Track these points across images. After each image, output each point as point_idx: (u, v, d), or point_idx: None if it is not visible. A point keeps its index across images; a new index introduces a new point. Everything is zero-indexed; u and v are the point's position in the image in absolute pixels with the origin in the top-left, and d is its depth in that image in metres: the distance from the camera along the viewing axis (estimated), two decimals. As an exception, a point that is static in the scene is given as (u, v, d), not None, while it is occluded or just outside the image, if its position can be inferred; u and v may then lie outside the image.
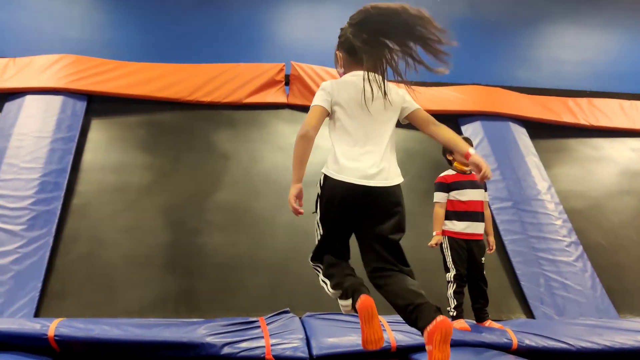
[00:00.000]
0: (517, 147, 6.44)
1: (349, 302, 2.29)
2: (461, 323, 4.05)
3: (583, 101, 7.33)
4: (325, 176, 2.48)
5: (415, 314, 2.17)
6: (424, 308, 2.15)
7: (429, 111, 7.09)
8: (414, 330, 3.88)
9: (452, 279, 4.13)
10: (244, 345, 3.63)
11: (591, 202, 6.25)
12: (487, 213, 4.36)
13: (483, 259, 4.23)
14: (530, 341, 3.88)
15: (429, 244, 4.22)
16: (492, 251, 4.38)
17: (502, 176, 5.99)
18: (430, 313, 2.12)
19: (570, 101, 7.27)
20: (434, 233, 4.23)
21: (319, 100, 2.52)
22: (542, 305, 4.95)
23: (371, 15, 2.43)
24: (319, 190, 2.50)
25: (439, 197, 4.26)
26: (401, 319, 4.08)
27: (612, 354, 3.91)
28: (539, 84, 7.63)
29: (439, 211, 4.23)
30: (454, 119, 6.73)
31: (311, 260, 2.59)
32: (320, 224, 2.52)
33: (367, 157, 2.45)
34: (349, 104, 2.49)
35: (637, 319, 4.90)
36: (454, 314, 4.11)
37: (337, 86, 2.54)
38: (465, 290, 4.21)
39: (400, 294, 2.29)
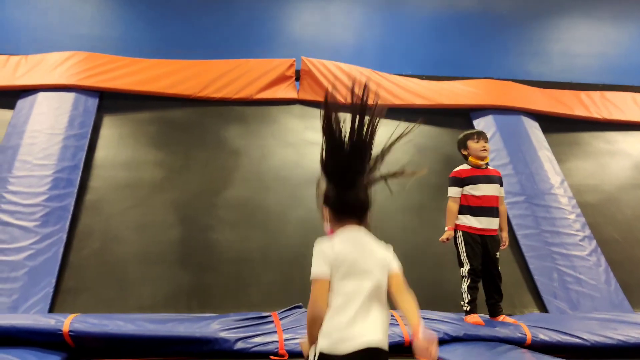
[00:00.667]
0: (530, 141, 6.39)
1: None
2: (475, 318, 4.03)
3: (596, 94, 7.27)
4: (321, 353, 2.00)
5: None
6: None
7: (440, 105, 7.14)
8: (426, 324, 3.89)
9: (466, 274, 4.10)
10: (257, 340, 3.64)
11: (605, 195, 6.20)
12: (502, 208, 4.32)
13: (498, 253, 4.19)
14: (544, 336, 3.86)
15: (440, 238, 4.19)
16: (505, 247, 4.34)
17: (514, 170, 5.96)
18: None
19: (582, 94, 7.21)
20: (446, 228, 4.19)
21: (318, 268, 2.12)
22: (555, 299, 4.92)
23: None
24: None
25: (453, 191, 4.22)
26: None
27: (626, 348, 3.88)
28: (551, 77, 7.58)
29: (452, 206, 4.19)
30: (466, 113, 6.70)
31: None
32: None
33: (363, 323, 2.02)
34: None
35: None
36: (468, 308, 4.08)
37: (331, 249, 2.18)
38: (480, 285, 4.18)
39: None
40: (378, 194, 6.11)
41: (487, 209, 4.16)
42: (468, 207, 4.17)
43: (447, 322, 3.96)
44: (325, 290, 2.04)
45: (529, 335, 3.85)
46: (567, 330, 3.94)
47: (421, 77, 6.94)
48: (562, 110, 6.98)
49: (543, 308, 4.89)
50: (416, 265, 5.12)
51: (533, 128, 6.63)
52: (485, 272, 4.14)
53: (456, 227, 4.17)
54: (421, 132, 6.50)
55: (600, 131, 7.01)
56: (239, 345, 3.60)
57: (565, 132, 6.88)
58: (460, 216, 4.18)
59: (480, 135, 4.30)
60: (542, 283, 5.05)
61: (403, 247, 5.39)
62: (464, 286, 4.10)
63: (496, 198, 4.22)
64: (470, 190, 4.18)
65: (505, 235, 4.32)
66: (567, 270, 5.13)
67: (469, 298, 4.07)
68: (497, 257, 4.17)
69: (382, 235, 5.88)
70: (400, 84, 6.74)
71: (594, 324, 4.17)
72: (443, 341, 3.81)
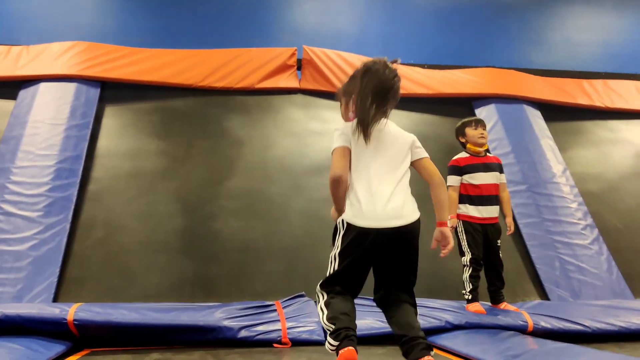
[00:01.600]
0: (532, 130, 6.39)
1: (336, 344, 2.27)
2: (476, 306, 4.05)
3: (598, 83, 7.24)
4: (344, 222, 2.46)
5: (407, 346, 2.31)
6: (417, 344, 2.28)
7: (442, 94, 7.10)
8: (428, 313, 3.92)
9: (467, 263, 4.11)
10: (261, 328, 3.66)
11: (607, 184, 6.20)
12: (504, 195, 4.33)
13: (499, 241, 4.21)
14: (546, 323, 3.88)
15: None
16: (510, 232, 4.36)
17: (516, 159, 5.96)
18: (418, 351, 2.26)
19: (585, 83, 7.19)
20: (449, 217, 4.18)
21: (338, 141, 2.56)
22: (557, 288, 4.94)
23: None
24: (340, 229, 2.46)
25: (452, 180, 4.21)
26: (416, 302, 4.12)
27: (628, 335, 3.89)
28: (553, 65, 7.56)
29: (453, 195, 4.17)
30: (468, 102, 6.69)
31: (319, 286, 2.51)
32: (336, 259, 2.46)
33: (383, 196, 2.43)
34: (357, 142, 2.55)
35: (654, 302, 4.87)
36: (469, 297, 4.10)
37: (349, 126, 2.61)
38: (481, 273, 4.19)
39: (401, 324, 2.38)
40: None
41: (486, 197, 4.17)
42: (467, 197, 4.18)
43: (449, 310, 3.98)
44: (344, 154, 2.49)
45: (530, 322, 3.87)
46: (569, 317, 3.96)
47: (423, 66, 6.92)
48: (564, 99, 6.97)
49: (545, 296, 4.91)
50: (419, 254, 5.13)
51: (535, 117, 6.63)
52: (487, 260, 4.16)
53: (457, 217, 4.18)
54: (423, 121, 6.50)
55: (603, 120, 7.00)
56: (243, 333, 3.62)
57: (568, 120, 6.87)
58: (460, 205, 4.19)
59: (479, 123, 4.29)
60: (544, 271, 5.07)
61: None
62: (466, 275, 4.12)
63: (495, 186, 4.23)
64: (469, 179, 4.18)
65: (509, 220, 4.33)
66: (568, 259, 5.15)
67: (471, 287, 4.09)
68: (499, 244, 4.19)
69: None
70: (402, 73, 6.67)
71: (595, 311, 4.19)
72: (445, 329, 3.83)
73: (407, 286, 2.49)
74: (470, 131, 4.25)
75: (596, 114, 7.02)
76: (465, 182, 4.19)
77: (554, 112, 6.81)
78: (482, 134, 4.23)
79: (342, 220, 2.43)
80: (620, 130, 6.92)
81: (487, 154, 4.34)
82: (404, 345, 2.31)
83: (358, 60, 6.69)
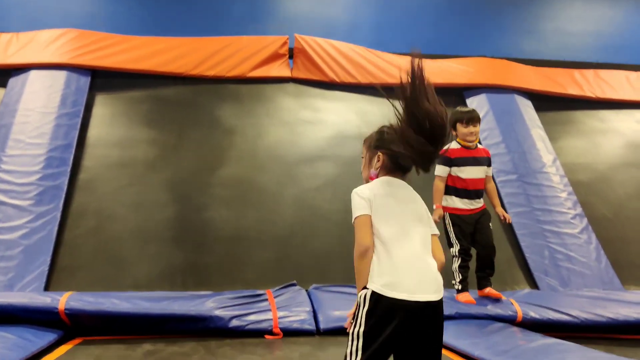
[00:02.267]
0: (523, 120, 6.41)
1: None
2: (466, 296, 4.07)
3: (589, 73, 7.26)
4: (374, 293, 1.89)
5: None
6: None
7: (434, 84, 7.07)
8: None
9: (457, 254, 4.11)
10: (252, 318, 3.69)
11: (597, 174, 6.24)
12: (490, 186, 4.34)
13: (490, 224, 4.19)
14: (535, 313, 3.92)
15: (433, 218, 4.16)
16: (508, 220, 4.33)
17: (507, 149, 5.98)
18: None
19: (576, 73, 7.21)
20: (434, 206, 4.15)
21: (360, 209, 2.04)
22: (546, 277, 4.98)
23: None
24: (366, 303, 1.90)
25: (440, 170, 4.16)
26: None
27: (615, 326, 3.94)
28: (544, 55, 7.58)
29: (439, 184, 4.16)
30: (459, 92, 6.69)
31: None
32: (360, 340, 1.89)
33: (421, 259, 2.00)
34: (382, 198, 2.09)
35: (641, 291, 4.93)
36: (459, 287, 4.11)
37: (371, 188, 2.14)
38: (471, 263, 4.20)
39: None
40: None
41: (471, 192, 4.16)
42: (454, 189, 4.17)
43: (439, 299, 4.01)
44: (368, 224, 1.99)
45: (520, 312, 3.91)
46: (558, 307, 4.01)
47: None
48: (555, 89, 6.99)
49: (534, 285, 4.95)
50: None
51: (526, 107, 6.65)
52: (478, 246, 4.14)
53: (443, 209, 4.16)
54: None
55: (594, 110, 7.03)
56: (234, 323, 3.65)
57: (559, 110, 6.89)
58: (446, 197, 4.17)
59: (470, 121, 4.17)
60: (533, 260, 5.11)
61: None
62: (455, 265, 4.12)
63: (482, 181, 4.22)
64: (457, 172, 4.15)
65: (500, 210, 4.34)
66: (558, 248, 5.19)
67: (460, 277, 4.10)
68: (490, 227, 4.17)
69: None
70: (394, 62, 6.71)
71: (584, 302, 4.23)
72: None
73: None
74: (460, 127, 4.19)
75: (587, 104, 7.04)
76: (453, 174, 4.17)
77: (545, 102, 6.83)
78: (471, 132, 4.17)
79: (371, 292, 1.88)
80: (610, 120, 6.96)
81: (479, 145, 4.32)
82: None
83: (350, 49, 6.70)
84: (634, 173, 6.34)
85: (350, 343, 1.89)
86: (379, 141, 2.20)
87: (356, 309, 1.92)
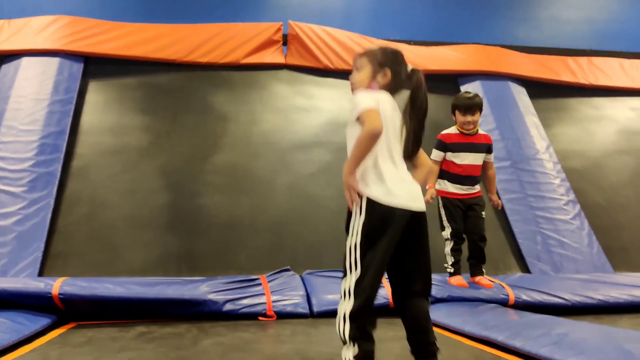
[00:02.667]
0: (517, 107, 6.42)
1: None
2: (458, 279, 4.10)
3: (583, 60, 7.28)
4: (370, 200, 2.02)
5: (417, 345, 2.15)
6: (428, 348, 2.12)
7: (428, 71, 7.09)
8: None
9: (449, 237, 4.12)
10: (246, 302, 3.70)
11: (590, 161, 6.27)
12: (490, 172, 4.31)
13: (483, 213, 4.16)
14: (527, 296, 3.95)
15: (425, 198, 4.14)
16: (499, 206, 4.34)
17: (500, 136, 5.99)
18: (429, 355, 2.11)
19: (570, 60, 7.21)
20: (427, 186, 4.10)
21: (369, 102, 2.10)
22: (539, 262, 5.02)
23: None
24: (362, 211, 2.02)
25: (435, 155, 4.17)
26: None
27: (607, 308, 3.98)
28: (539, 43, 7.57)
29: (433, 167, 4.11)
30: (453, 79, 6.69)
31: (349, 319, 2.00)
32: (357, 250, 2.01)
33: (408, 176, 2.16)
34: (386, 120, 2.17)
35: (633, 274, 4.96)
36: (452, 270, 4.13)
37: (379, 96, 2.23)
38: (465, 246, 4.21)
39: (416, 320, 2.16)
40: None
41: (465, 177, 4.14)
42: (447, 173, 4.16)
43: (433, 284, 4.02)
44: (380, 116, 2.06)
45: (511, 295, 3.94)
46: (549, 290, 4.04)
47: (409, 43, 6.90)
48: (549, 76, 7.00)
49: (526, 270, 4.99)
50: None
51: (520, 94, 6.66)
52: (468, 233, 4.14)
53: (437, 192, 4.17)
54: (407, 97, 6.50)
55: (587, 97, 7.05)
56: (228, 306, 3.66)
57: (552, 97, 6.91)
58: (439, 180, 4.18)
59: (468, 110, 4.09)
60: (526, 246, 5.14)
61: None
62: (447, 249, 4.14)
63: (477, 167, 4.19)
64: (452, 157, 4.15)
65: (493, 196, 4.33)
66: (550, 234, 5.22)
67: (452, 260, 4.12)
68: (482, 216, 4.15)
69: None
70: (389, 49, 6.71)
71: (575, 285, 4.27)
72: (428, 302, 3.89)
73: (429, 280, 2.20)
74: (458, 115, 4.15)
75: (580, 91, 7.06)
76: (448, 159, 4.16)
77: (539, 89, 6.84)
78: (469, 121, 4.10)
79: (368, 199, 2.01)
80: (603, 107, 6.98)
81: (480, 131, 4.26)
82: (415, 343, 2.15)
83: (345, 36, 6.68)
84: (627, 160, 6.37)
85: (349, 258, 2.01)
86: (388, 60, 2.29)
87: (353, 218, 2.03)
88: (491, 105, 6.32)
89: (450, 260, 4.14)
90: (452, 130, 4.22)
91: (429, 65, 6.68)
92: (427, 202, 3.93)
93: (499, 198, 4.48)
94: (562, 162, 6.02)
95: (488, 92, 6.47)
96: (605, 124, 6.79)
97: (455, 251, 4.12)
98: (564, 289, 4.07)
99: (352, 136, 2.13)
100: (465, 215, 4.13)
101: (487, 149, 4.25)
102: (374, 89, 2.25)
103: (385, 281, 4.02)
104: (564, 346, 2.48)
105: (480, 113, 4.19)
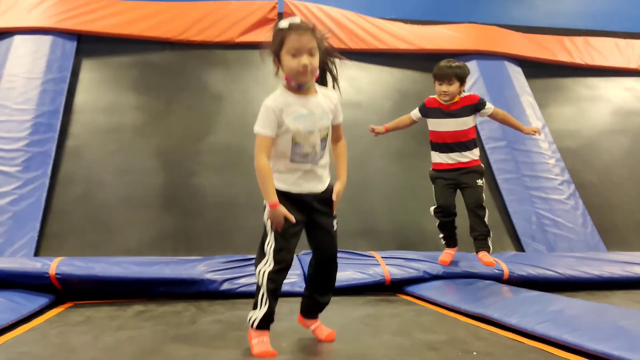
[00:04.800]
0: (512, 87, 6.42)
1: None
2: (444, 255, 4.06)
3: (579, 40, 7.26)
4: None
5: (308, 301, 2.47)
6: (317, 304, 2.44)
7: (424, 50, 7.05)
8: (406, 264, 4.01)
9: (433, 212, 4.03)
10: (243, 281, 3.72)
11: (584, 141, 6.29)
12: (500, 116, 4.09)
13: (479, 181, 3.92)
14: (521, 271, 4.01)
15: (370, 127, 4.15)
16: (538, 132, 4.08)
17: (496, 116, 5.99)
18: (315, 311, 2.45)
19: (566, 40, 7.19)
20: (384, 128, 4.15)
21: None
22: (533, 241, 5.05)
23: None
24: None
25: (413, 113, 4.13)
26: (394, 255, 4.19)
27: (601, 282, 4.04)
28: (535, 22, 7.53)
29: (404, 119, 4.19)
30: (449, 58, 6.66)
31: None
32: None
33: None
34: None
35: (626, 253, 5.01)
36: (444, 242, 4.11)
37: None
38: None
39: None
40: (361, 140, 6.12)
41: (451, 145, 3.92)
42: (432, 143, 4.04)
43: (427, 261, 4.08)
44: None
45: (506, 270, 3.99)
46: (543, 265, 4.09)
47: (405, 21, 6.86)
48: (545, 56, 6.99)
49: (521, 249, 5.03)
50: (398, 208, 5.21)
51: (516, 73, 6.65)
52: (466, 206, 3.94)
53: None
54: (405, 77, 6.48)
55: (583, 77, 7.04)
56: (225, 286, 3.68)
57: (548, 77, 6.90)
58: (431, 153, 4.06)
59: (443, 79, 3.89)
60: (520, 226, 5.17)
61: (385, 192, 5.49)
62: (437, 224, 4.08)
63: (463, 132, 3.93)
64: (433, 124, 4.02)
65: (526, 129, 4.12)
66: (545, 214, 5.25)
67: (441, 235, 4.10)
68: (478, 184, 3.91)
69: (365, 180, 5.96)
70: (384, 28, 6.67)
71: (570, 261, 4.33)
72: (423, 279, 3.93)
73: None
74: (436, 84, 3.96)
75: (576, 70, 7.06)
76: (430, 127, 4.04)
77: (535, 69, 6.83)
78: (444, 91, 3.88)
79: None
80: (599, 87, 6.98)
81: (461, 96, 3.98)
82: (307, 298, 2.51)
83: (340, 14, 6.63)
84: (621, 140, 6.40)
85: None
86: (324, 46, 2.36)
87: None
88: (487, 85, 6.31)
89: (440, 235, 4.11)
90: (434, 96, 4.07)
91: (425, 44, 6.66)
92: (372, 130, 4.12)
93: (494, 178, 4.40)
94: (557, 142, 6.03)
95: (484, 72, 6.46)
96: (600, 104, 6.80)
97: (442, 227, 4.04)
98: (559, 265, 4.12)
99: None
100: (458, 187, 3.96)
101: (474, 108, 3.97)
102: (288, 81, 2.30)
103: (381, 259, 4.07)
104: (559, 323, 2.51)
105: (462, 84, 3.94)
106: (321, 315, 2.48)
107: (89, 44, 5.96)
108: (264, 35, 6.39)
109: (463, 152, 3.94)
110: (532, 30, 7.21)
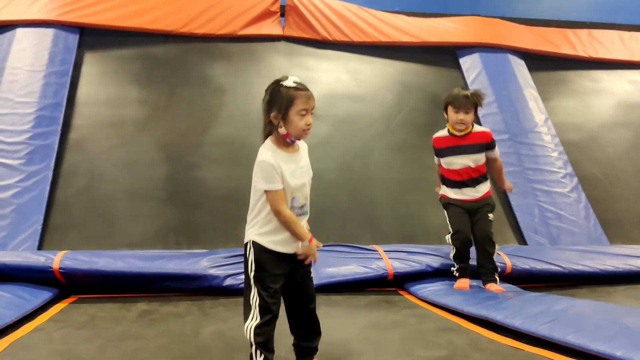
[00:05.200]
0: (515, 80, 6.39)
1: None
2: (460, 283, 3.79)
3: (583, 33, 7.22)
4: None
5: (298, 349, 2.36)
6: (309, 349, 2.33)
7: (427, 43, 7.03)
8: (409, 258, 4.01)
9: (449, 241, 3.89)
10: (246, 275, 3.71)
11: (587, 134, 6.27)
12: (496, 165, 3.94)
13: (491, 215, 3.79)
14: (524, 264, 4.00)
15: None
16: (510, 190, 4.11)
17: (499, 109, 5.98)
18: (311, 355, 2.32)
19: (569, 32, 7.16)
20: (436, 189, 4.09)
21: None
22: (536, 234, 5.05)
23: None
24: None
25: (435, 159, 4.02)
26: (397, 248, 4.18)
27: (603, 276, 4.04)
28: (538, 15, 7.50)
29: (437, 168, 4.04)
30: (452, 51, 6.65)
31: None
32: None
33: None
34: None
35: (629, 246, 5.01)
36: (457, 275, 3.86)
37: None
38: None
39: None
40: (363, 133, 6.12)
41: (461, 182, 3.82)
42: (444, 178, 3.93)
43: (430, 254, 4.08)
44: None
45: (508, 263, 3.99)
46: (546, 259, 4.09)
47: (408, 14, 6.83)
48: (548, 49, 6.96)
49: (523, 243, 5.02)
50: (400, 201, 5.21)
51: (519, 66, 6.62)
52: (475, 239, 3.80)
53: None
54: (407, 70, 6.46)
55: (586, 70, 7.02)
56: (228, 281, 3.69)
57: (551, 70, 6.88)
58: (443, 186, 3.97)
59: (462, 107, 3.71)
60: (523, 219, 5.17)
61: (388, 185, 5.48)
62: (451, 254, 3.90)
63: (476, 169, 3.82)
64: (444, 162, 3.90)
65: (504, 185, 4.03)
66: (548, 207, 5.25)
67: (456, 266, 3.87)
68: (489, 219, 3.78)
69: (368, 173, 5.95)
70: (387, 21, 6.64)
71: (572, 254, 4.33)
72: (426, 273, 3.94)
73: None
74: (451, 112, 3.77)
75: (579, 63, 7.03)
76: (442, 163, 3.92)
77: (538, 62, 6.81)
78: (461, 120, 3.72)
79: None
80: (602, 80, 6.95)
81: (476, 129, 3.86)
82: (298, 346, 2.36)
83: (343, 7, 6.60)
84: (624, 133, 6.38)
85: None
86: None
87: None
88: (490, 78, 6.30)
89: (454, 265, 3.89)
90: (443, 132, 3.91)
91: (428, 37, 6.64)
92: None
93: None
94: (560, 135, 6.02)
95: (487, 65, 6.44)
96: (603, 97, 6.78)
97: (456, 258, 3.85)
98: (561, 258, 4.13)
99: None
100: (471, 218, 3.82)
101: (485, 147, 3.84)
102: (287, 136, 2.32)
103: (383, 253, 4.08)
104: (562, 323, 2.51)
105: (477, 110, 3.82)
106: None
107: (92, 37, 5.95)
108: (267, 28, 6.38)
109: (476, 187, 3.84)
110: (535, 23, 7.18)
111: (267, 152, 2.26)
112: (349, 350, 2.65)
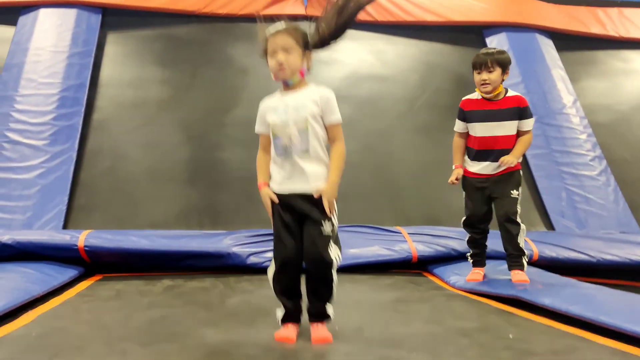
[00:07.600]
0: (543, 60, 6.25)
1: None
2: (472, 274, 3.44)
3: (613, 11, 7.03)
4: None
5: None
6: (309, 307, 2.28)
7: (452, 22, 6.89)
8: (434, 241, 3.95)
9: (462, 225, 3.47)
10: (269, 255, 3.67)
11: (617, 116, 6.12)
12: (524, 137, 3.31)
13: (514, 191, 3.25)
14: (551, 252, 3.92)
15: (449, 180, 3.36)
16: (501, 163, 3.20)
17: (526, 89, 5.85)
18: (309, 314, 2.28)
19: (599, 11, 6.98)
20: (453, 166, 3.41)
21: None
22: (563, 218, 4.96)
23: None
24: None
25: (457, 125, 3.43)
26: (421, 231, 4.12)
27: (632, 267, 3.94)
28: (567, -7, 7.31)
29: (456, 141, 3.44)
30: (478, 30, 6.51)
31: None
32: None
33: None
34: None
35: (659, 232, 4.90)
36: (471, 261, 3.50)
37: None
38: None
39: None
40: (386, 113, 6.04)
41: (481, 153, 3.33)
42: (468, 149, 3.42)
43: (455, 238, 4.01)
44: None
45: (535, 251, 3.91)
46: (574, 247, 4.00)
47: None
48: (577, 28, 6.79)
49: (550, 227, 4.94)
50: (424, 183, 5.15)
51: (547, 46, 6.47)
52: (497, 218, 3.34)
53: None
54: (432, 50, 6.36)
55: (616, 49, 6.84)
56: (252, 259, 3.68)
57: (580, 50, 6.71)
58: (467, 159, 3.43)
59: (483, 65, 3.27)
60: (550, 202, 5.08)
61: (412, 166, 5.41)
62: (466, 238, 3.49)
63: (501, 139, 3.30)
64: (469, 127, 3.38)
65: (508, 158, 3.20)
66: (575, 190, 5.15)
67: (470, 252, 3.50)
68: (511, 195, 3.25)
69: (391, 154, 5.89)
70: (411, 0, 6.53)
71: (600, 243, 4.20)
72: (451, 257, 3.88)
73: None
74: (475, 75, 3.34)
75: (610, 43, 6.85)
76: (469, 130, 3.40)
77: (567, 42, 6.65)
78: (484, 80, 3.26)
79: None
80: (633, 60, 6.77)
81: (509, 93, 3.36)
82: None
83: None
84: (656, 115, 6.22)
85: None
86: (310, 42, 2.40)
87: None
88: (517, 58, 6.14)
89: (469, 252, 3.51)
90: (472, 96, 3.43)
91: (453, 16, 6.52)
92: (452, 184, 3.38)
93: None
94: (589, 116, 5.88)
95: (514, 45, 6.31)
96: (635, 78, 6.60)
97: (471, 242, 3.45)
98: (589, 246, 4.03)
99: (318, 132, 2.30)
100: (488, 198, 3.35)
101: (518, 114, 3.31)
102: (303, 75, 2.33)
103: (407, 235, 4.03)
104: (594, 305, 2.45)
105: (504, 71, 3.32)
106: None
107: (114, 17, 5.93)
108: (290, 7, 6.31)
109: (494, 162, 3.31)
110: (563, 1, 7.01)
111: (266, 97, 2.39)
112: (376, 318, 2.63)
